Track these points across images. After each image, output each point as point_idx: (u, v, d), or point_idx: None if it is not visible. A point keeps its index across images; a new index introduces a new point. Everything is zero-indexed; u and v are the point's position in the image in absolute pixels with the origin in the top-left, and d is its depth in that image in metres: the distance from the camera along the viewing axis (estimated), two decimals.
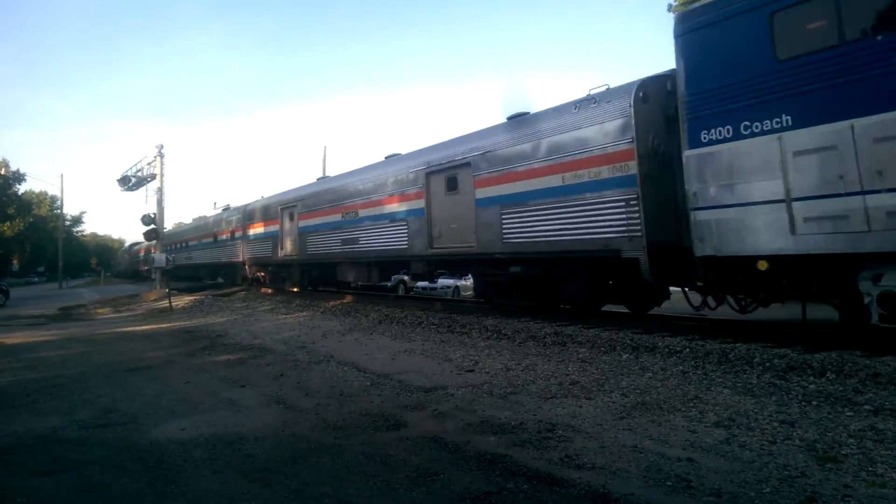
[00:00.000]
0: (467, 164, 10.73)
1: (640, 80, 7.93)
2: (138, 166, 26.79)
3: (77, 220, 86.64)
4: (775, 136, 5.90)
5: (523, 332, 8.33)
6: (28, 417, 5.26)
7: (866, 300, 5.60)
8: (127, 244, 57.84)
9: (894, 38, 5.17)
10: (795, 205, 5.77)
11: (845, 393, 4.72)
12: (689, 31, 6.79)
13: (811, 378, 5.20)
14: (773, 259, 6.08)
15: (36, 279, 65.82)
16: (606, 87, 8.47)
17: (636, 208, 7.51)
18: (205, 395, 5.84)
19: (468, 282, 16.99)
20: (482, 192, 10.30)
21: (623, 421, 4.34)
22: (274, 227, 19.32)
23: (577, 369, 6.11)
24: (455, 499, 3.09)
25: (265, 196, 21.71)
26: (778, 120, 5.90)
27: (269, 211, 19.98)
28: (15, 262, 64.14)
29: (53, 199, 72.70)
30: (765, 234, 6.04)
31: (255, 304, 16.52)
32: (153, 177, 26.07)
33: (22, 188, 65.00)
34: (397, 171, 13.04)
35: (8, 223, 60.21)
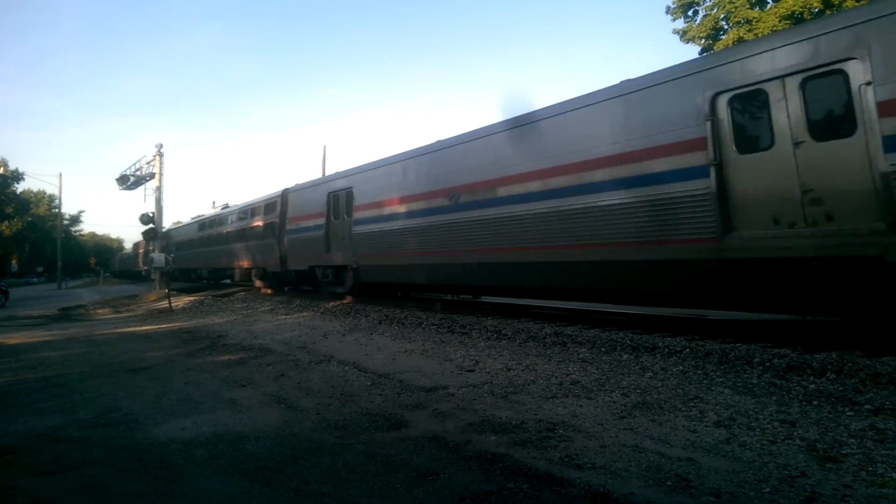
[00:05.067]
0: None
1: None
2: (137, 165, 26.88)
3: (75, 220, 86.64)
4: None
5: (523, 333, 8.34)
6: (29, 417, 5.25)
7: None
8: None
9: None
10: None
11: (846, 393, 4.73)
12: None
13: (811, 378, 5.21)
14: None
15: (35, 279, 65.79)
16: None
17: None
18: (206, 394, 5.84)
19: None
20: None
21: (624, 420, 4.34)
22: None
23: (577, 369, 6.12)
24: (455, 498, 3.09)
25: None
26: None
27: None
28: (14, 262, 64.10)
29: (52, 198, 72.73)
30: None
31: (255, 304, 16.52)
32: (152, 176, 26.10)
33: (20, 187, 65.04)
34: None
35: (6, 222, 60.09)
